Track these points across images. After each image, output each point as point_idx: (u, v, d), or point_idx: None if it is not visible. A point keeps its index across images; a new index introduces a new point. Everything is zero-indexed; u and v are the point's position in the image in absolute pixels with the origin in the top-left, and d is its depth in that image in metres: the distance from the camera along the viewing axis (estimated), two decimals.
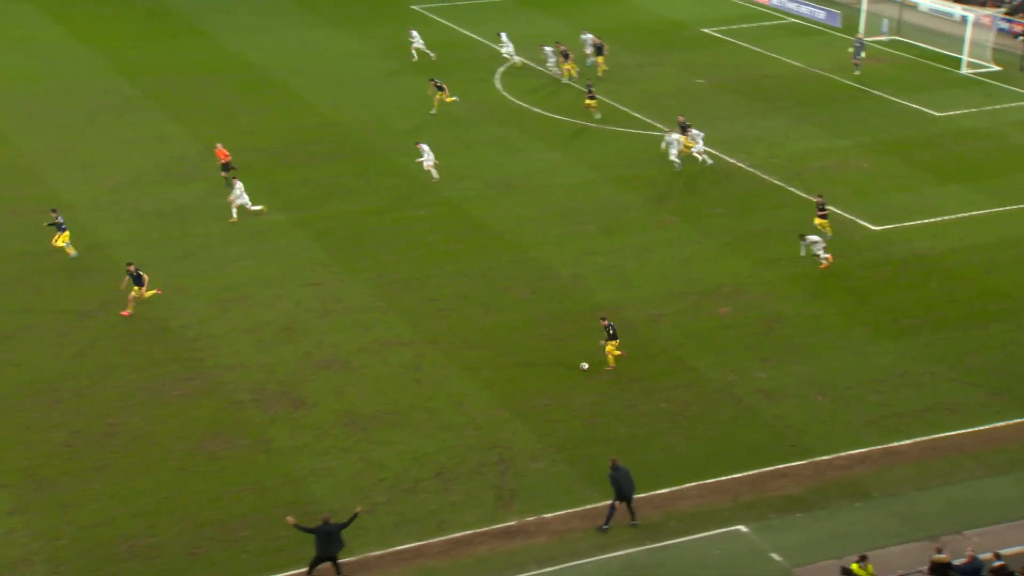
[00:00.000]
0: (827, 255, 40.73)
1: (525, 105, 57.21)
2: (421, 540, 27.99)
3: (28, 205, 44.74)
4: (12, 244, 41.68)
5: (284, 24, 69.64)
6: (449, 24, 70.73)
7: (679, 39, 68.47)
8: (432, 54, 62.71)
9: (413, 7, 74.52)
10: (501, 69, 62.16)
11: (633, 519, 28.43)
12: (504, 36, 63.12)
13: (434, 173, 47.40)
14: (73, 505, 28.69)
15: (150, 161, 49.48)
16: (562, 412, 33.07)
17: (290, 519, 26.63)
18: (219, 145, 46.99)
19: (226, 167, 46.00)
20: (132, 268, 37.37)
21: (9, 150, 49.81)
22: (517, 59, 62.28)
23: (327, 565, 26.68)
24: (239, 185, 43.82)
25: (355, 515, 27.02)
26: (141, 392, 33.39)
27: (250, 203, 44.03)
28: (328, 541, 26.36)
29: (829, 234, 42.34)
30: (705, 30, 70.25)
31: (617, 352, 34.77)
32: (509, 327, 37.36)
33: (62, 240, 40.81)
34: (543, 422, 32.58)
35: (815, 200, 43.62)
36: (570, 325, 37.48)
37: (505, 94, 58.83)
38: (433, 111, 54.88)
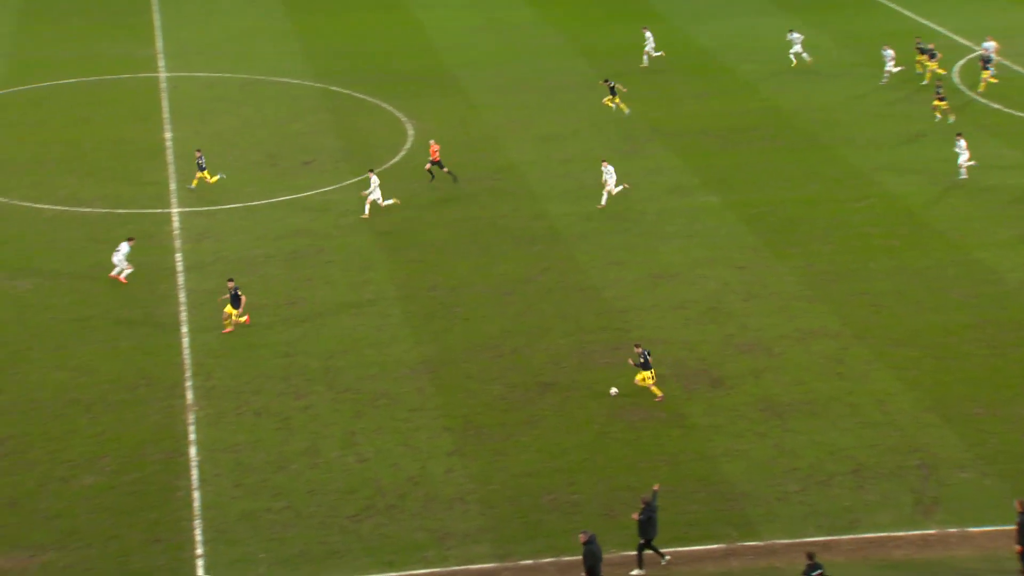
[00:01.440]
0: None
1: (984, 101, 54.02)
2: (831, 535, 27.67)
3: (485, 172, 48.32)
4: (467, 208, 45.19)
5: (738, 10, 69.82)
6: (911, 15, 67.99)
7: None
8: (659, 53, 60.22)
9: None
10: (961, 62, 59.01)
11: None
12: (794, 34, 59.29)
13: (604, 198, 44.30)
14: (504, 453, 30.99)
15: (599, 138, 51.75)
16: (997, 423, 31.30)
17: (635, 516, 26.64)
18: (432, 142, 47.48)
19: (436, 163, 46.82)
20: (232, 286, 35.86)
21: (477, 121, 53.92)
22: (805, 56, 58.76)
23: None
24: (375, 180, 43.79)
25: (655, 493, 26.97)
26: (571, 355, 35.29)
27: (382, 199, 43.65)
28: (653, 523, 26.38)
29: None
30: None
31: (650, 383, 32.40)
32: (944, 329, 35.77)
33: (209, 177, 44.96)
34: (974, 431, 31.02)
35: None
36: (1012, 333, 35.29)
37: (962, 88, 55.85)
38: (626, 112, 53.03)
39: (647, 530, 26.35)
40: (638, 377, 32.72)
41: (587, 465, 30.44)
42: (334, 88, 57.58)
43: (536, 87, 58.10)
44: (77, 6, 70.52)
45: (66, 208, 44.33)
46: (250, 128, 52.64)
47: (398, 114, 54.26)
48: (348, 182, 47.04)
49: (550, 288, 39.25)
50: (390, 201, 44.12)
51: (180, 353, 35.18)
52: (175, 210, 44.50)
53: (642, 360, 32.52)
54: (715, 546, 27.42)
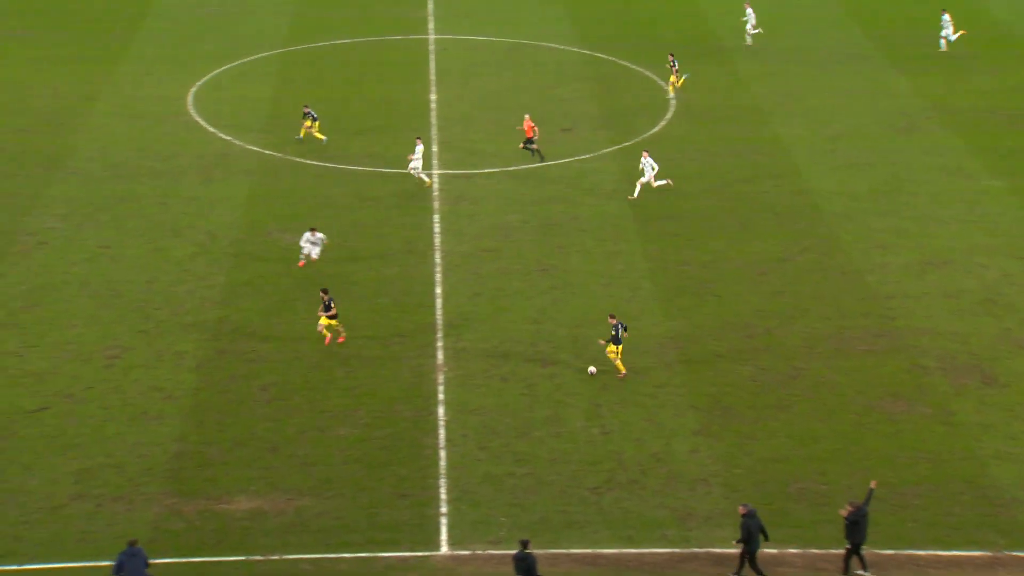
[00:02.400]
0: None
1: None
2: None
3: (748, 146, 46.83)
4: (727, 181, 43.88)
5: None
6: None
7: None
8: (757, 30, 55.65)
9: None
10: None
11: None
12: (945, 16, 54.11)
13: (636, 190, 41.61)
14: (752, 437, 29.95)
15: (871, 113, 49.27)
16: None
17: (843, 512, 25.12)
18: (527, 117, 45.35)
19: (529, 141, 44.41)
20: (325, 297, 33.90)
21: (744, 93, 52.20)
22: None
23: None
24: (419, 148, 42.50)
25: (871, 491, 25.23)
26: (827, 340, 33.75)
27: (420, 169, 42.53)
28: (860, 528, 24.77)
29: None
30: None
31: (613, 357, 31.16)
32: None
33: (315, 129, 46.55)
34: None
35: None
36: None
37: None
38: (671, 96, 49.67)
39: (853, 533, 25.00)
40: (608, 349, 31.89)
41: (840, 455, 29.04)
42: (598, 54, 57.15)
43: (809, 59, 55.83)
44: None
45: (334, 165, 45.88)
46: (512, 92, 52.93)
47: (661, 83, 53.30)
48: (605, 151, 46.58)
49: (809, 269, 37.66)
50: (417, 170, 43.19)
51: (433, 313, 35.77)
52: (436, 172, 45.28)
53: (613, 333, 31.63)
54: (980, 553, 25.68)
